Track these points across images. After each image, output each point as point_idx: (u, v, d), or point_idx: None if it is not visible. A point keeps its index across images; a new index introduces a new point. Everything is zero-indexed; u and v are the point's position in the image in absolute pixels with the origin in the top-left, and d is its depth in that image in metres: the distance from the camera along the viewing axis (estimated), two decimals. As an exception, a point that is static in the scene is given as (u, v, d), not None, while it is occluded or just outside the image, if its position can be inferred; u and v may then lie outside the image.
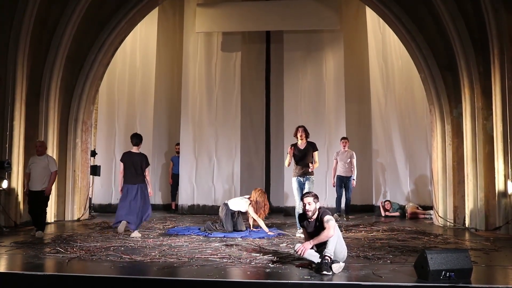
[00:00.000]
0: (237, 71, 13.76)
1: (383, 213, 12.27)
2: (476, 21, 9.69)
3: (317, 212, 5.95)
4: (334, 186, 11.66)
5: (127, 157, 8.88)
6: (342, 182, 11.54)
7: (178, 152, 13.63)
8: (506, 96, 8.91)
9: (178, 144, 13.72)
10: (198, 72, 13.86)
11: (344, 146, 11.63)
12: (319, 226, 5.82)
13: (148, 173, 9.00)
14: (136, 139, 9.02)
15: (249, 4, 13.89)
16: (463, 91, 9.95)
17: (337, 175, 11.56)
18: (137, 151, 8.96)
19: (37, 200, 8.66)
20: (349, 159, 11.52)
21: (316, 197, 6.04)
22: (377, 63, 13.38)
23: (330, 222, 5.69)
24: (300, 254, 5.70)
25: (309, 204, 5.96)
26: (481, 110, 9.59)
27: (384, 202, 12.44)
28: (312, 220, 5.97)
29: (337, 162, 11.59)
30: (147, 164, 8.97)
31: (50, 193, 8.88)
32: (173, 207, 13.55)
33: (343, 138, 11.84)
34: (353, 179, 11.53)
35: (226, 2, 13.89)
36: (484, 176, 9.48)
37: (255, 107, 14.40)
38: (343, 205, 11.68)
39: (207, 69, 13.87)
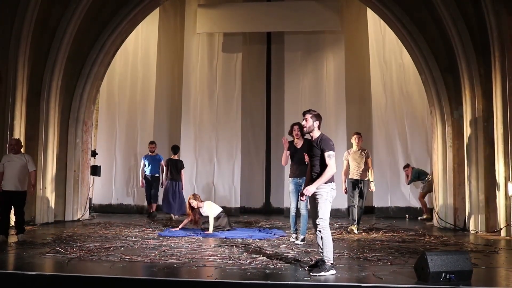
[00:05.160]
0: (238, 72, 13.78)
1: (406, 182, 12.45)
2: (477, 23, 9.69)
3: (318, 133, 5.88)
4: (346, 192, 9.56)
5: (169, 162, 11.88)
6: (356, 187, 9.40)
7: (152, 152, 12.39)
8: (507, 98, 8.90)
9: (152, 142, 12.51)
10: (199, 73, 13.90)
11: (358, 143, 9.50)
12: (322, 156, 5.75)
13: (183, 173, 11.94)
14: (176, 149, 12.14)
15: (250, 5, 13.93)
16: (464, 93, 9.95)
17: (349, 179, 9.44)
18: (176, 158, 12.01)
19: (12, 202, 7.99)
20: (364, 159, 9.40)
21: (316, 116, 5.89)
22: (378, 65, 13.37)
23: (332, 159, 5.69)
24: (307, 196, 5.74)
25: (305, 121, 5.90)
26: (482, 112, 9.59)
27: (405, 168, 12.49)
28: (313, 139, 5.88)
29: (348, 163, 9.51)
30: (183, 167, 11.94)
31: (33, 194, 8.36)
32: (154, 209, 12.25)
33: (356, 133, 9.74)
34: (371, 181, 9.56)
35: (227, 3, 13.92)
36: (484, 178, 9.48)
37: (256, 108, 14.42)
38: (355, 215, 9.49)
39: (208, 70, 13.91)
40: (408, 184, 12.56)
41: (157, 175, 12.30)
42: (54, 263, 6.22)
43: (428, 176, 12.11)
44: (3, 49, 9.68)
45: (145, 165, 12.33)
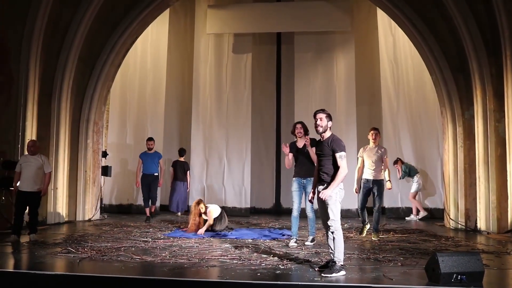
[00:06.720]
0: (247, 73, 13.79)
1: (398, 176, 12.43)
2: (488, 23, 9.62)
3: (329, 133, 5.93)
4: (357, 192, 8.96)
5: (176, 164, 12.86)
6: (368, 189, 8.72)
7: (150, 149, 11.66)
8: (519, 98, 8.84)
9: (150, 139, 11.87)
10: (209, 73, 13.93)
11: (375, 139, 8.88)
12: (333, 156, 5.78)
13: (189, 174, 12.94)
14: (183, 152, 12.99)
15: (260, 5, 13.93)
16: (475, 93, 9.89)
17: (363, 178, 8.81)
18: (182, 160, 12.90)
19: (27, 202, 8.10)
20: (380, 157, 8.74)
21: (329, 116, 5.96)
22: (388, 65, 13.33)
23: (344, 159, 5.73)
24: (325, 198, 5.70)
25: (320, 120, 5.91)
26: (493, 112, 9.51)
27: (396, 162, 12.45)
28: (324, 139, 5.93)
29: (363, 161, 8.85)
30: (188, 168, 12.96)
31: (44, 194, 8.44)
32: (148, 214, 11.39)
33: (373, 128, 9.07)
34: (388, 180, 8.94)
35: (237, 4, 13.93)
36: (496, 178, 9.41)
37: (266, 109, 14.43)
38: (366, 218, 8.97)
39: (217, 71, 13.93)
40: (400, 179, 12.53)
41: (156, 174, 11.51)
42: (66, 263, 6.26)
43: (417, 175, 12.31)
44: (14, 50, 9.75)
45: (142, 163, 11.54)
